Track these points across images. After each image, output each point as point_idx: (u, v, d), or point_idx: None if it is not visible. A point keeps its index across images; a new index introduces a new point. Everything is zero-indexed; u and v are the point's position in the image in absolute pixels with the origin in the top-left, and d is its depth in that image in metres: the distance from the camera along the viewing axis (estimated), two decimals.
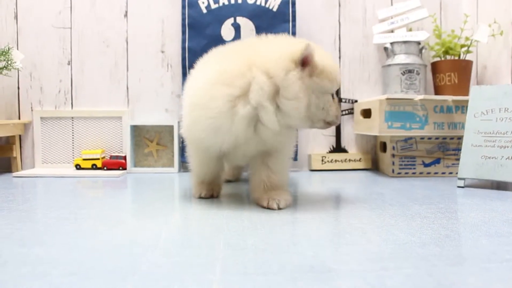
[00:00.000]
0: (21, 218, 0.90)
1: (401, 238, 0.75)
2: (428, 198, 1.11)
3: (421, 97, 1.47)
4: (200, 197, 1.13)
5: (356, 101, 1.77)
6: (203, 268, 0.60)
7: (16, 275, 0.57)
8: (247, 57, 0.94)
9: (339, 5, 1.79)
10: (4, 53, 1.59)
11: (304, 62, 0.91)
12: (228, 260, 0.63)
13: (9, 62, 1.61)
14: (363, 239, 0.75)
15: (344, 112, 1.78)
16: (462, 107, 1.50)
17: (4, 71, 1.62)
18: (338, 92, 1.01)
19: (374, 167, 1.76)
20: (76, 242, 0.73)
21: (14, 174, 1.60)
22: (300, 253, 0.67)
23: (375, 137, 1.77)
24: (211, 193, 1.13)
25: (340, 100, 1.77)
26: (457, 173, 1.37)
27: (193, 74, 1.07)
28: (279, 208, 0.98)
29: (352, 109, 1.78)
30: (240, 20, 1.65)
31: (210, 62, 1.04)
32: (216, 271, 0.59)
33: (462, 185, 1.27)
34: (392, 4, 1.79)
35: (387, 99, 1.46)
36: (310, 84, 0.92)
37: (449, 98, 1.50)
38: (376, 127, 1.48)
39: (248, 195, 1.17)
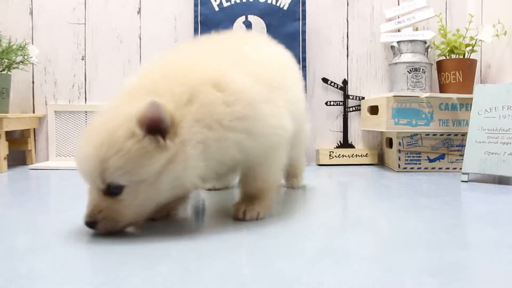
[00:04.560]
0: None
1: (412, 226, 0.80)
2: (434, 192, 1.16)
3: (427, 94, 1.51)
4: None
5: (363, 98, 1.82)
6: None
7: None
8: None
9: (347, 4, 1.84)
10: (21, 48, 1.63)
11: None
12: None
13: (26, 57, 1.65)
14: (376, 227, 0.80)
15: (351, 109, 1.83)
16: (466, 104, 1.55)
17: (21, 66, 1.66)
18: None
19: (380, 162, 1.81)
20: None
21: (30, 166, 1.65)
22: (318, 239, 0.72)
23: (381, 133, 1.82)
24: None
25: (347, 97, 1.82)
26: (461, 168, 1.42)
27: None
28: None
29: (359, 105, 1.83)
30: (252, 18, 1.69)
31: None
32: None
33: (466, 179, 1.32)
34: (399, 4, 1.83)
35: (394, 96, 1.51)
36: None
37: (454, 96, 1.55)
38: (383, 123, 1.53)
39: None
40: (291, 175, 1.20)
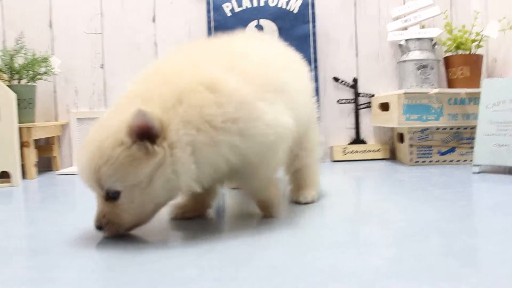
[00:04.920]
0: None
1: (428, 217, 0.86)
2: (446, 183, 1.22)
3: (436, 90, 1.57)
4: None
5: (373, 95, 1.88)
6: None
7: None
8: None
9: (355, 5, 1.89)
10: (44, 60, 1.71)
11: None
12: None
13: (49, 68, 1.73)
14: (393, 218, 0.86)
15: (362, 106, 1.89)
16: (474, 99, 1.60)
17: (44, 77, 1.74)
18: None
19: (392, 156, 1.87)
20: None
21: (57, 172, 1.73)
22: (342, 231, 0.78)
23: (392, 128, 1.88)
24: None
25: (358, 94, 1.88)
26: (471, 160, 1.48)
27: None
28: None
29: (370, 102, 1.89)
30: (263, 22, 1.76)
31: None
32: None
33: (477, 171, 1.38)
34: (404, 3, 1.88)
35: (405, 93, 1.57)
36: None
37: (462, 91, 1.61)
38: (395, 119, 1.59)
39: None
40: (299, 187, 1.03)
